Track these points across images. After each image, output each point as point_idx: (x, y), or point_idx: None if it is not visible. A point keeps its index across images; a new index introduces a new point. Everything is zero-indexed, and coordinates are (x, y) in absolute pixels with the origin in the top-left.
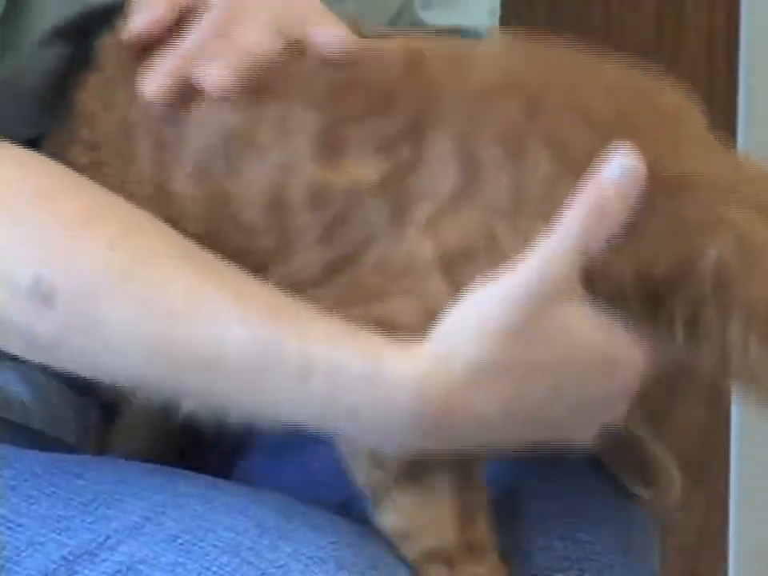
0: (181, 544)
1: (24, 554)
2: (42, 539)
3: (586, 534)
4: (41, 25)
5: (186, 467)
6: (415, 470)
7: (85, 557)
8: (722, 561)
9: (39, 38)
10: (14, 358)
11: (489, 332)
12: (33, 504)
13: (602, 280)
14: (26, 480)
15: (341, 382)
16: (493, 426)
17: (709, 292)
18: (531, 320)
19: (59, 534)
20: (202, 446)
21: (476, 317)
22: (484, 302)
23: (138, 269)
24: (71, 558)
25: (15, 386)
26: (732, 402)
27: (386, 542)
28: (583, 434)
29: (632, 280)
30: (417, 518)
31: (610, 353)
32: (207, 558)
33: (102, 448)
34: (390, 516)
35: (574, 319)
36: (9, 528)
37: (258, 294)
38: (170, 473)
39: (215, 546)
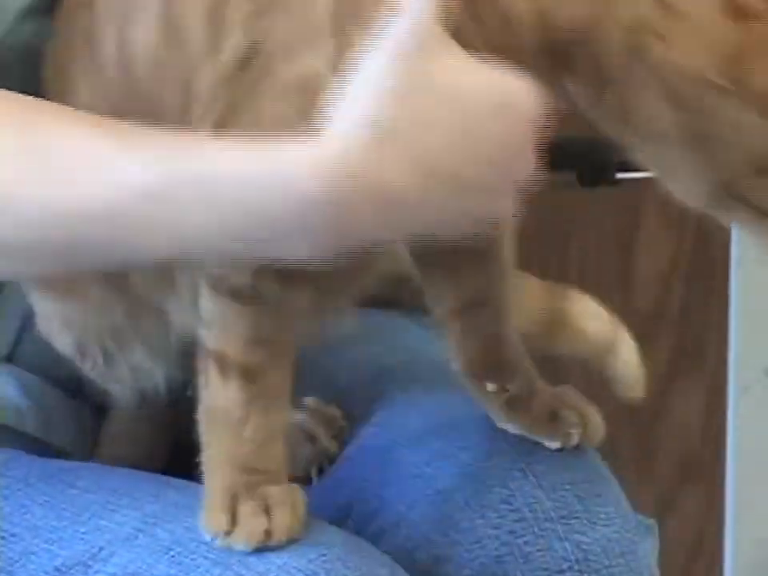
0: (173, 556)
1: (17, 564)
2: (36, 549)
3: (585, 536)
4: (15, 1)
5: (179, 473)
6: None
7: (78, 568)
8: (718, 560)
9: (14, 14)
10: (8, 360)
11: (377, 97)
12: (26, 514)
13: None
14: (19, 489)
15: (249, 194)
16: (409, 198)
17: (621, 48)
18: (414, 74)
19: (52, 545)
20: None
21: (363, 88)
22: (367, 72)
23: (39, 146)
24: (64, 569)
25: (10, 390)
26: (729, 401)
27: (379, 555)
28: (502, 199)
29: (532, 25)
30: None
31: (502, 95)
32: (199, 569)
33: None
34: None
35: (459, 70)
36: (2, 538)
37: (148, 135)
38: (162, 482)
39: (206, 558)
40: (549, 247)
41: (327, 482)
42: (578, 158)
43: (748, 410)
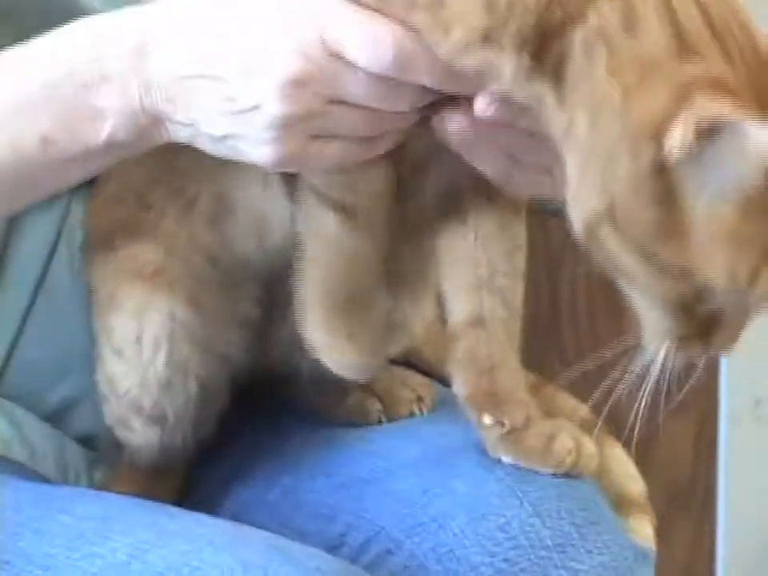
0: None
1: None
2: None
3: (582, 563)
4: None
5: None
6: None
7: None
8: None
9: None
10: None
11: None
12: (19, 541)
13: None
14: (10, 516)
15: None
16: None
17: (580, 50)
18: None
19: (45, 572)
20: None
21: None
22: None
23: None
24: None
25: None
26: (720, 431)
27: None
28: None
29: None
30: None
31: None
32: None
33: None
34: None
35: None
36: None
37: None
38: (155, 508)
39: None
40: (539, 272)
41: (322, 509)
42: None
43: (738, 440)
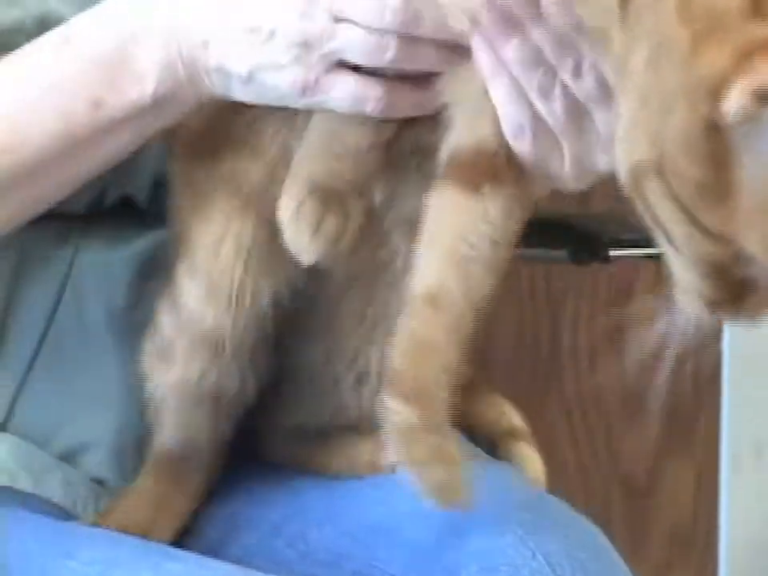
0: None
1: None
2: None
3: None
4: None
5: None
6: None
7: None
8: None
9: None
10: (1, 429)
11: None
12: None
13: None
14: (18, 560)
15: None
16: None
17: None
18: None
19: None
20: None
21: None
22: None
23: None
24: None
25: (1, 453)
26: (720, 477)
27: None
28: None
29: None
30: None
31: None
32: None
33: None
34: None
35: None
36: None
37: None
38: (160, 552)
39: None
40: (541, 317)
41: (329, 557)
42: (570, 236)
43: (739, 485)
